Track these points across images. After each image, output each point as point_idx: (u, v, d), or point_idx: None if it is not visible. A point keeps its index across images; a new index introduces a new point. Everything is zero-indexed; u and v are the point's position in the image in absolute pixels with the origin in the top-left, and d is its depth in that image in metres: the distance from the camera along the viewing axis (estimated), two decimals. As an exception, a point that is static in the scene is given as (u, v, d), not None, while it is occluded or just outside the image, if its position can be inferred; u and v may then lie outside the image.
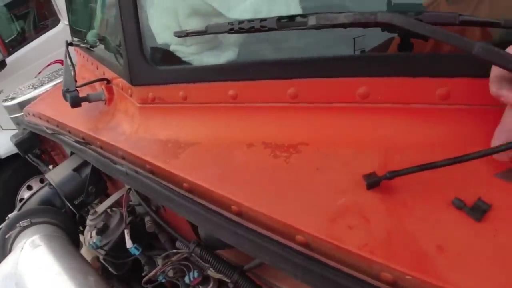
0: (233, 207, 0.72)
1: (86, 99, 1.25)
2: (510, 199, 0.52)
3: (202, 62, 0.99)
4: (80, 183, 1.46)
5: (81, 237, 1.59)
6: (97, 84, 1.39)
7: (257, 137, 0.81)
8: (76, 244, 1.50)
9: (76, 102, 1.20)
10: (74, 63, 1.60)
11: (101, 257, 1.41)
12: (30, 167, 2.44)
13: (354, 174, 0.63)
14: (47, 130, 1.62)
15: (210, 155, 0.84)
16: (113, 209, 1.46)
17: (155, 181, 0.93)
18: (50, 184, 1.51)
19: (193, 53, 1.00)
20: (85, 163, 1.48)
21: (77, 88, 1.21)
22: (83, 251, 1.58)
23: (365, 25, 0.61)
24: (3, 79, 3.59)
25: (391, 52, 0.71)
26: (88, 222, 1.44)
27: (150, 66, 1.04)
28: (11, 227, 1.37)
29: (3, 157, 3.41)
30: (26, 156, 2.12)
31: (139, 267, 1.35)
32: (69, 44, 1.69)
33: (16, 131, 2.31)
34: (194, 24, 0.96)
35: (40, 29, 3.87)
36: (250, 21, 0.73)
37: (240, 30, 0.74)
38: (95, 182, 1.48)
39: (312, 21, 0.64)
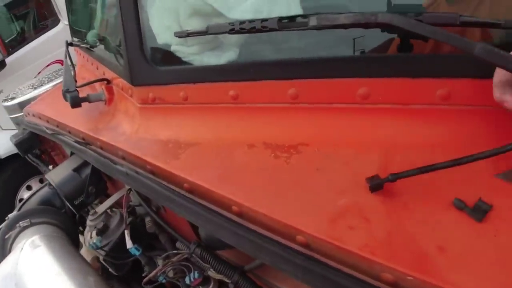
0: (234, 208, 0.72)
1: (86, 99, 1.25)
2: (511, 199, 0.52)
3: (202, 63, 0.99)
4: (80, 183, 1.45)
5: (81, 238, 1.59)
6: (97, 84, 1.39)
7: (257, 137, 0.81)
8: (76, 245, 1.50)
9: (76, 102, 1.20)
10: (74, 63, 1.60)
11: (101, 258, 1.40)
12: (29, 167, 2.43)
13: (354, 175, 0.64)
14: (47, 130, 1.62)
15: (211, 156, 0.84)
16: (113, 209, 1.46)
17: (156, 182, 0.93)
18: (50, 184, 1.51)
19: (193, 54, 1.00)
20: (85, 163, 1.47)
21: (77, 88, 1.21)
22: (83, 251, 1.57)
23: (365, 25, 0.61)
24: (3, 79, 3.59)
25: (392, 53, 0.71)
26: (88, 222, 1.43)
27: (151, 66, 1.04)
28: (10, 227, 1.36)
29: (3, 157, 3.39)
30: (26, 156, 2.11)
31: (139, 268, 1.35)
32: (69, 44, 1.69)
33: (16, 131, 2.31)
34: (195, 25, 0.96)
35: (40, 29, 3.86)
36: (251, 21, 0.73)
37: (241, 31, 0.74)
38: (95, 182, 1.48)
39: (313, 21, 0.64)
